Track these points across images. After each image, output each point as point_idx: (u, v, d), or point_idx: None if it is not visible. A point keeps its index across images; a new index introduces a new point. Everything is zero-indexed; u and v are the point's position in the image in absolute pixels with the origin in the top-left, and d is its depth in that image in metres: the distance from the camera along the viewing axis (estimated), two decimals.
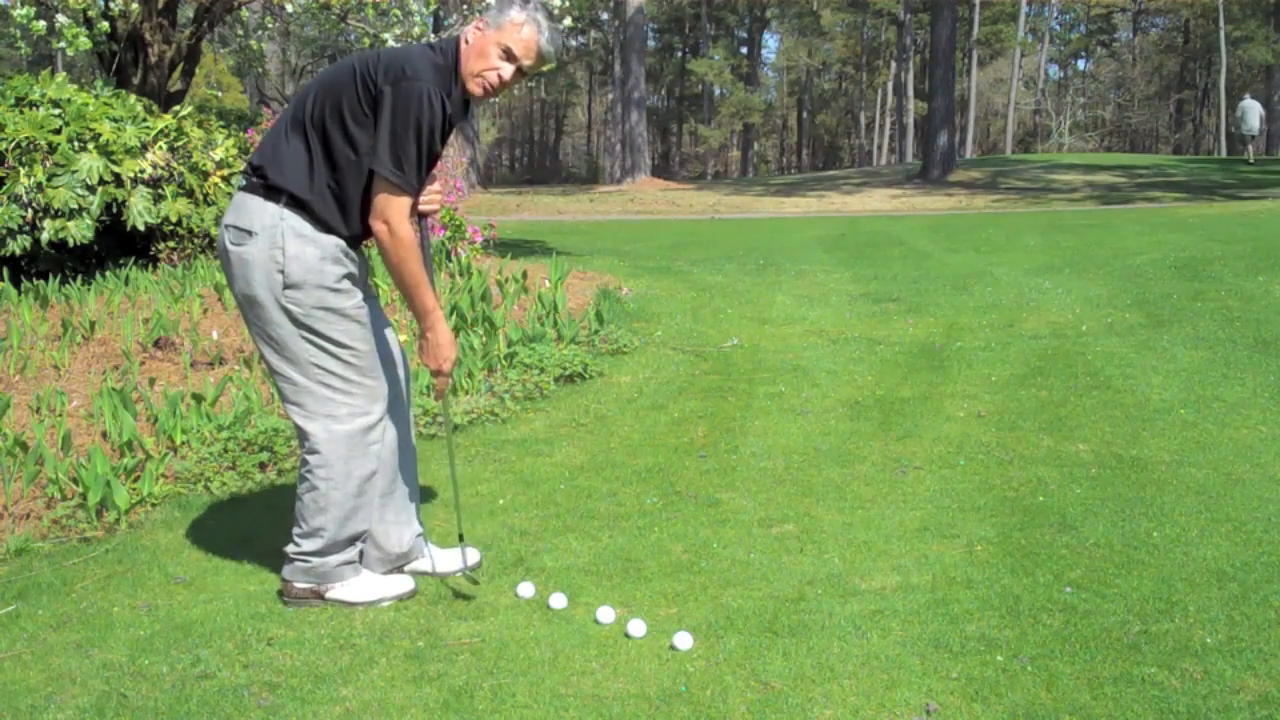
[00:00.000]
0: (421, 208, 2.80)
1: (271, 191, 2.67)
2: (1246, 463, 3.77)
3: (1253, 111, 23.98)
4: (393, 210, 2.64)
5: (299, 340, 2.71)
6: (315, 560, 2.84)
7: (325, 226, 2.68)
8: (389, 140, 2.60)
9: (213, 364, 5.04)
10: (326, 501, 2.79)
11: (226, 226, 2.72)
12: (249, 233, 2.67)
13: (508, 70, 2.74)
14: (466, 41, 2.75)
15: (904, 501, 3.54)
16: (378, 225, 2.65)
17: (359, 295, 2.78)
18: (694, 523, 3.42)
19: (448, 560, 3.07)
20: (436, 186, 2.86)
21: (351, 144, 2.65)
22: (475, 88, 2.74)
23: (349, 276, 2.74)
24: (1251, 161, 25.05)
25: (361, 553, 2.94)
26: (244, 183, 2.74)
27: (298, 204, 2.66)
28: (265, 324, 2.72)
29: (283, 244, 2.65)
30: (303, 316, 2.68)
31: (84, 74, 18.12)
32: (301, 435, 2.79)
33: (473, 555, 3.10)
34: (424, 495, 3.66)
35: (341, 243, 2.71)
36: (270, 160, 2.70)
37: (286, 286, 2.66)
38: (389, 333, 2.93)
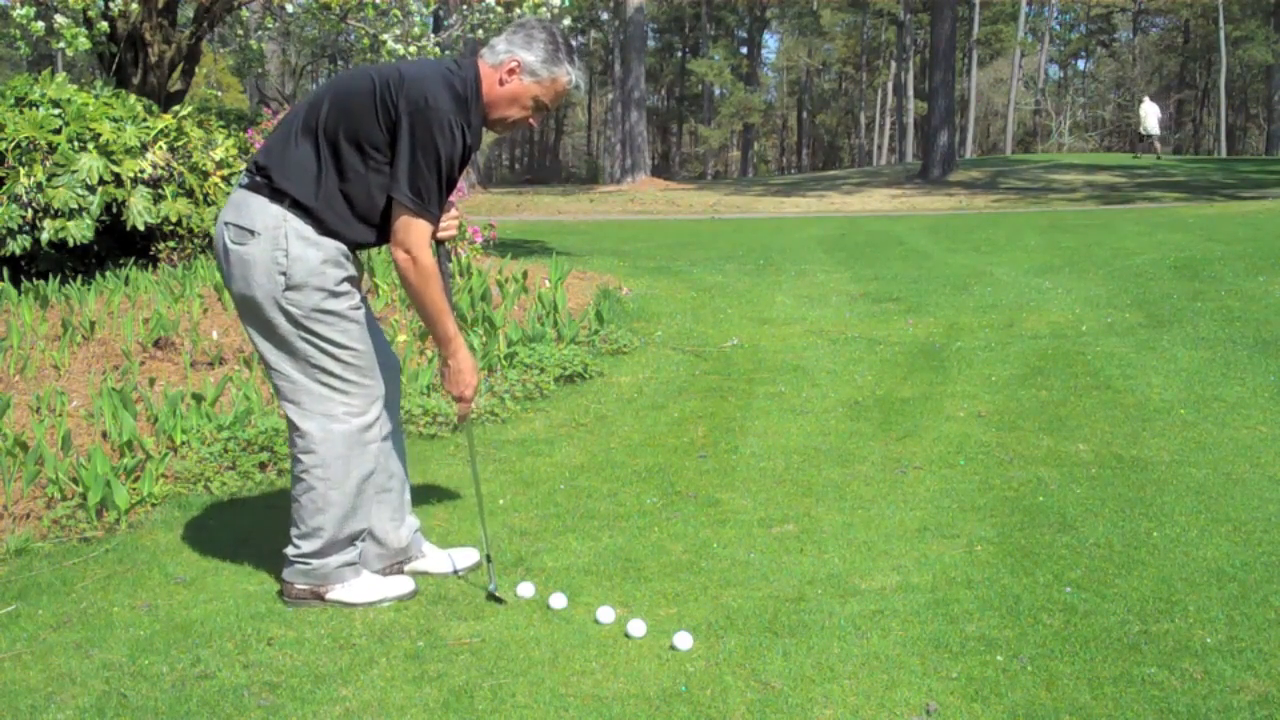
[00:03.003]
0: (440, 234, 2.80)
1: (276, 194, 2.67)
2: (1246, 463, 3.77)
3: (1151, 114, 27.01)
4: (414, 238, 2.64)
5: (298, 340, 2.71)
6: (315, 562, 2.84)
7: (328, 231, 2.68)
8: (408, 168, 2.61)
9: (213, 364, 5.04)
10: (325, 501, 2.79)
11: (227, 224, 2.70)
12: (251, 232, 2.66)
13: (539, 118, 2.85)
14: (501, 82, 2.73)
15: (904, 501, 3.54)
16: (399, 254, 2.66)
17: (357, 297, 2.78)
18: (694, 523, 3.42)
19: (451, 560, 3.08)
20: (454, 213, 2.87)
21: (363, 157, 2.65)
22: (503, 129, 2.82)
23: (349, 279, 2.75)
24: (1139, 156, 28.03)
25: (361, 552, 2.94)
26: (246, 180, 2.73)
27: (301, 209, 2.66)
28: (263, 323, 2.71)
29: (286, 245, 2.64)
30: (301, 317, 2.68)
31: (84, 74, 18.12)
32: (296, 434, 2.79)
33: (466, 558, 3.10)
34: (423, 495, 3.66)
35: (343, 246, 2.71)
36: (277, 163, 2.69)
37: (288, 288, 2.65)
38: (382, 332, 2.93)
